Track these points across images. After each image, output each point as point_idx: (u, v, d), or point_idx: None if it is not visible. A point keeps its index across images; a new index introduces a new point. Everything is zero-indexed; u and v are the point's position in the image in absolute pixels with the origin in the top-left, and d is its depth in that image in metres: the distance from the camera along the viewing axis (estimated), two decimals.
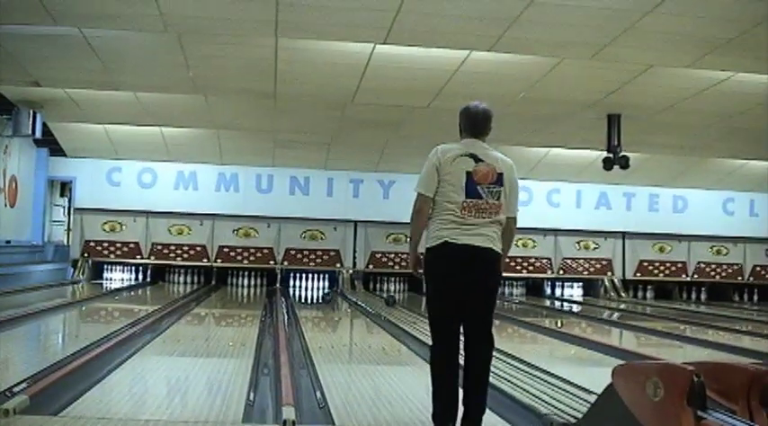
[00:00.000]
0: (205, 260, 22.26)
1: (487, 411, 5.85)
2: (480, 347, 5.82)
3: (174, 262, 22.32)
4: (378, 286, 22.87)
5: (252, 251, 22.37)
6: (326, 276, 22.94)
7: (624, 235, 23.93)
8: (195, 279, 22.45)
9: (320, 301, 20.14)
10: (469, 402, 5.72)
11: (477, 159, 5.80)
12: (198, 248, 22.19)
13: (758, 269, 24.69)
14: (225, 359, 9.44)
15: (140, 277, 22.35)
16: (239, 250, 22.34)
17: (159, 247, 22.11)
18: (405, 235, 22.66)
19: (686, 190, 23.76)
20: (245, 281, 22.53)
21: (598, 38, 11.60)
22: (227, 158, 21.58)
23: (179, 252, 22.18)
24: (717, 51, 12.10)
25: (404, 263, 22.68)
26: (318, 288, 22.55)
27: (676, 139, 18.33)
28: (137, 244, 22.05)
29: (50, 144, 20.53)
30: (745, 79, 13.71)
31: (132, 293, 19.93)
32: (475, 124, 6.04)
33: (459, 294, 5.72)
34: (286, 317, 14.09)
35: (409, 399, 6.90)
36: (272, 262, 22.48)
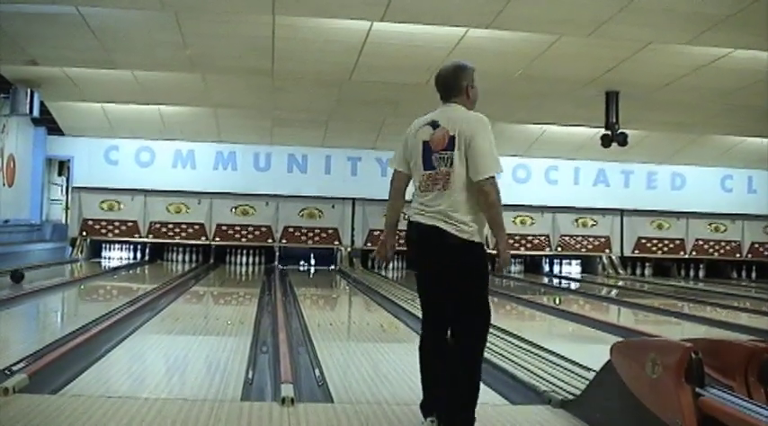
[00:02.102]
0: (203, 238, 22.26)
1: (487, 388, 5.86)
2: (462, 321, 5.11)
3: (172, 241, 22.32)
4: (376, 264, 22.85)
5: (250, 229, 22.38)
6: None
7: (622, 213, 23.93)
8: (193, 257, 22.46)
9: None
10: (452, 390, 5.05)
11: (435, 125, 5.18)
12: (196, 226, 22.19)
13: (756, 246, 24.71)
14: (223, 337, 9.45)
15: (139, 255, 22.36)
16: (237, 228, 22.35)
17: (157, 226, 22.11)
18: (403, 213, 22.58)
19: (684, 168, 23.75)
20: (244, 259, 22.53)
21: (596, 15, 11.57)
22: (225, 136, 21.55)
23: (177, 230, 22.18)
24: (715, 28, 12.07)
25: (402, 241, 22.61)
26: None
27: (674, 116, 18.31)
28: (135, 222, 22.04)
29: (48, 123, 20.51)
30: (744, 56, 13.68)
31: (131, 272, 19.94)
32: (438, 88, 5.32)
33: (428, 278, 5.37)
34: (285, 295, 14.11)
35: (408, 376, 6.91)
36: (270, 240, 22.49)
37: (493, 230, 5.09)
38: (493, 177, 4.96)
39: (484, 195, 4.97)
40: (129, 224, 22.03)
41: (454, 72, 5.28)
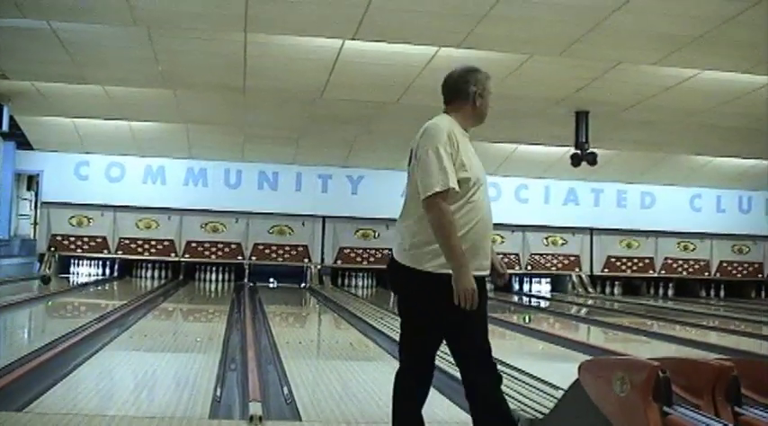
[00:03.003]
0: (173, 254, 22.18)
1: (455, 406, 5.86)
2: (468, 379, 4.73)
3: (141, 257, 22.21)
4: (346, 281, 22.87)
5: (220, 245, 22.31)
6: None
7: (592, 231, 24.04)
8: (163, 273, 22.35)
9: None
10: None
11: None
12: (166, 243, 22.10)
13: (725, 264, 24.87)
14: (192, 354, 9.42)
15: (107, 271, 22.23)
16: (207, 245, 22.28)
17: (127, 242, 22.00)
18: (373, 231, 22.69)
19: (654, 187, 23.89)
20: (213, 276, 22.45)
21: (567, 35, 11.64)
22: (196, 153, 21.51)
23: (146, 246, 22.09)
24: (683, 49, 12.17)
25: (372, 259, 22.70)
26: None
27: (644, 136, 18.42)
28: (104, 238, 21.93)
29: (17, 137, 20.39)
30: (711, 77, 13.80)
31: (99, 288, 19.84)
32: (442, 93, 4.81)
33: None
34: (253, 313, 14.07)
35: (377, 395, 6.91)
36: (240, 257, 22.43)
37: (441, 246, 4.37)
38: (435, 195, 4.34)
39: (427, 217, 4.40)
40: (99, 239, 21.91)
41: (455, 75, 4.76)
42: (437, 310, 4.53)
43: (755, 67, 13.10)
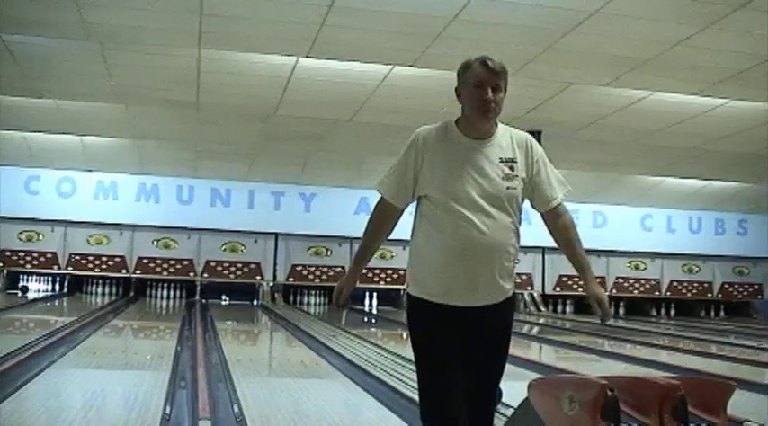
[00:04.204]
0: (124, 271, 22.01)
1: (404, 424, 5.85)
2: None
3: (92, 273, 21.99)
4: (298, 299, 22.80)
5: (171, 262, 22.16)
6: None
7: (544, 250, 24.11)
8: (113, 290, 22.12)
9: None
10: None
11: None
12: (117, 259, 21.92)
13: (675, 284, 25.08)
14: (142, 371, 9.35)
15: (57, 287, 22.00)
16: (159, 261, 22.12)
17: (77, 257, 21.81)
18: (326, 249, 22.65)
19: (606, 206, 24.05)
20: (165, 293, 22.28)
21: (520, 55, 11.71)
22: (148, 168, 21.39)
23: (97, 262, 21.89)
24: (635, 71, 12.31)
25: (324, 277, 22.66)
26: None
27: (596, 156, 18.56)
28: (54, 254, 21.72)
29: None
30: (663, 98, 13.95)
31: (49, 304, 19.67)
32: None
33: None
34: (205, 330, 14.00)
35: (328, 414, 6.89)
36: (191, 274, 22.31)
37: None
38: (380, 198, 4.31)
39: None
40: (49, 255, 21.70)
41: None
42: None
43: (705, 90, 13.27)
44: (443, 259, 4.04)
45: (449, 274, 4.05)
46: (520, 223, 4.21)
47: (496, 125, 4.16)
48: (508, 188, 4.07)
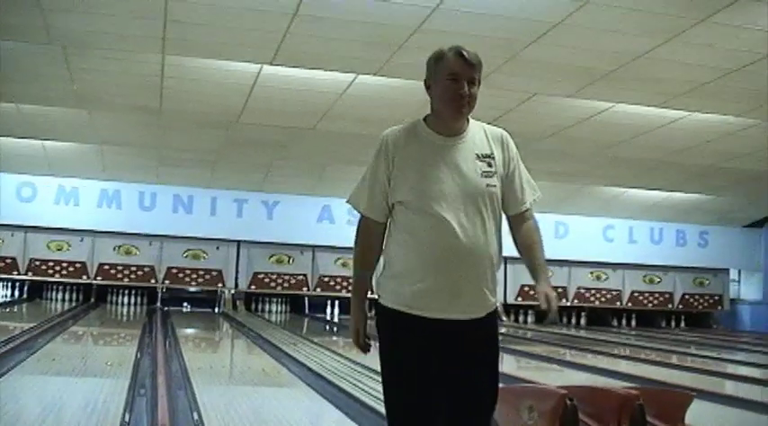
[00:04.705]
0: (84, 277, 21.83)
1: None
2: None
3: (52, 279, 21.80)
4: (260, 306, 22.72)
5: (133, 269, 22.01)
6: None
7: (506, 260, 24.06)
8: (74, 296, 21.95)
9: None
10: None
11: None
12: (77, 265, 21.74)
13: (636, 294, 25.19)
14: (101, 378, 9.29)
15: (17, 293, 21.80)
16: (120, 267, 21.97)
17: (37, 263, 21.59)
18: (287, 256, 22.58)
19: (568, 217, 24.10)
20: (125, 300, 22.14)
21: (483, 65, 11.73)
22: (110, 174, 21.23)
23: (58, 268, 21.70)
24: (598, 82, 12.39)
25: (286, 285, 22.60)
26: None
27: (559, 166, 18.63)
28: (14, 259, 21.49)
29: None
30: (626, 110, 14.04)
31: (8, 310, 19.49)
32: None
33: None
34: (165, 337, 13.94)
35: (288, 422, 6.87)
36: (153, 281, 22.18)
37: None
38: (360, 217, 3.91)
39: None
40: (8, 260, 21.45)
41: None
42: None
43: (668, 102, 13.37)
44: (422, 266, 3.67)
45: (428, 281, 3.66)
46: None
47: (468, 121, 3.89)
48: (488, 185, 3.75)
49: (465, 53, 3.84)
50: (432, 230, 3.65)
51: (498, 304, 3.86)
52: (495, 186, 3.77)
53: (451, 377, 3.70)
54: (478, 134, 3.89)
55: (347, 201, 3.90)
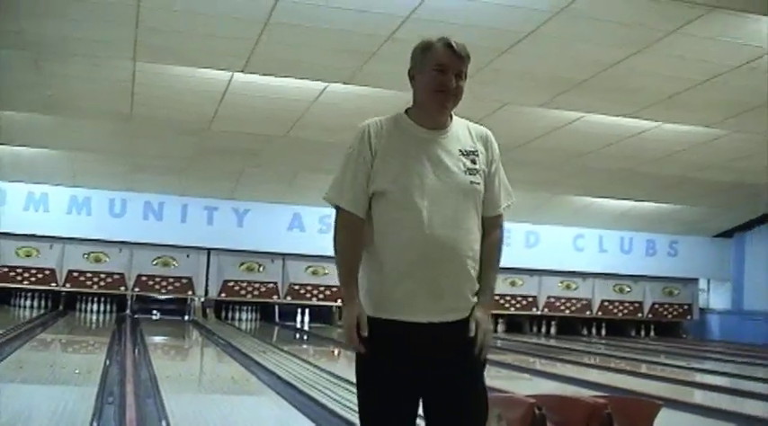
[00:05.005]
0: (53, 284, 21.69)
1: None
2: None
3: (20, 286, 21.62)
4: (230, 314, 22.65)
5: (102, 276, 21.88)
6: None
7: None
8: (42, 303, 21.78)
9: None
10: None
11: None
12: (46, 272, 21.59)
13: (606, 303, 25.27)
14: (69, 386, 9.24)
15: None
16: (89, 274, 21.84)
17: (5, 270, 21.42)
18: (258, 264, 22.53)
19: (538, 226, 24.15)
20: (95, 307, 22.00)
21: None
22: (81, 180, 21.13)
23: (26, 275, 21.55)
24: (568, 92, 12.43)
25: (256, 293, 22.53)
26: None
27: (530, 176, 18.67)
28: None
29: None
30: (596, 120, 14.10)
31: None
32: None
33: None
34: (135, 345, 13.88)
35: None
36: (122, 288, 22.05)
37: None
38: (335, 207, 3.64)
39: None
40: None
41: None
42: None
43: (638, 112, 13.44)
44: (400, 264, 3.49)
45: (407, 282, 3.48)
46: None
47: (451, 117, 3.77)
48: (472, 183, 3.59)
49: (454, 44, 3.68)
50: (412, 226, 3.48)
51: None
52: (479, 184, 3.62)
53: (435, 394, 3.53)
54: (462, 130, 3.77)
55: (324, 197, 3.63)
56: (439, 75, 3.61)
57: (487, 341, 3.59)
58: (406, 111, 3.73)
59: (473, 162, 3.65)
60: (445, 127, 3.70)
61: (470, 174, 3.61)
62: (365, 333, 3.46)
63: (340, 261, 3.62)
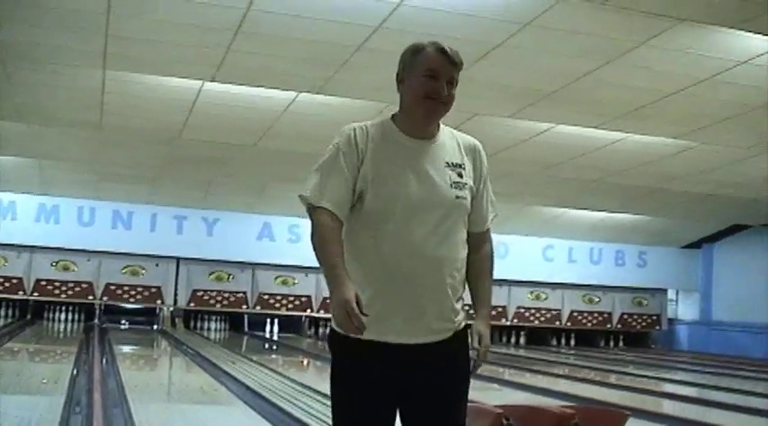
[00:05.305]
0: (21, 293, 21.55)
1: None
2: None
3: None
4: (199, 324, 22.58)
5: (70, 285, 21.75)
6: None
7: None
8: (10, 312, 21.64)
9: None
10: None
11: None
12: (14, 280, 21.43)
13: (575, 314, 25.35)
14: (37, 396, 9.20)
15: None
16: (57, 283, 21.70)
17: None
18: (227, 274, 22.47)
19: (508, 237, 24.18)
20: (63, 316, 21.87)
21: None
22: (49, 189, 21.02)
23: None
24: (538, 103, 12.47)
25: (225, 302, 22.47)
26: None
27: (499, 187, 18.35)
28: None
29: None
30: (566, 131, 14.15)
31: None
32: None
33: None
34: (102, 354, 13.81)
35: None
36: (90, 297, 21.93)
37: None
38: (309, 206, 3.39)
39: None
40: None
41: None
42: None
43: (607, 123, 13.50)
44: (378, 279, 3.30)
45: (387, 299, 3.29)
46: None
47: (439, 126, 3.57)
48: (457, 197, 3.43)
49: (447, 49, 3.47)
50: (392, 239, 3.30)
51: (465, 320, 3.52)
52: (465, 199, 3.47)
53: (413, 412, 3.37)
54: (450, 141, 3.58)
55: (302, 195, 3.37)
56: (429, 80, 3.43)
57: (485, 357, 3.50)
58: (392, 118, 3.55)
59: (459, 175, 3.47)
60: (432, 136, 3.52)
61: (456, 188, 3.44)
62: (364, 312, 3.06)
63: (324, 254, 3.26)
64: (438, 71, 3.43)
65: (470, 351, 3.47)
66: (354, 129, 3.46)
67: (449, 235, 3.39)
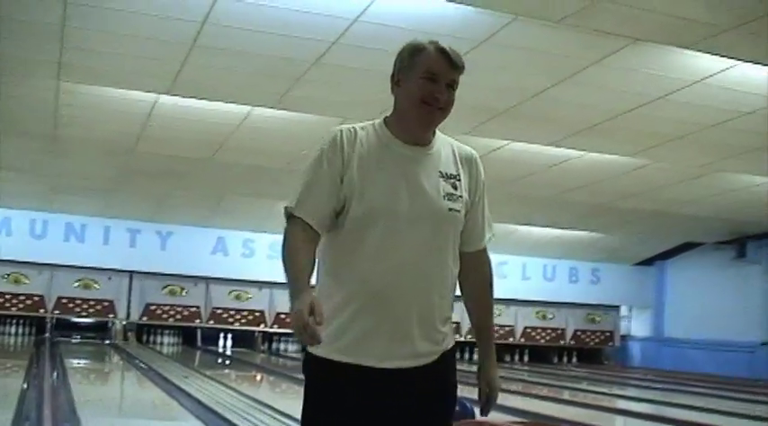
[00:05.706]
0: None
1: None
2: None
3: None
4: (151, 338, 22.43)
5: (21, 298, 21.52)
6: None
7: None
8: None
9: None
10: None
11: None
12: None
13: (528, 330, 25.44)
14: None
15: None
16: (8, 296, 21.45)
17: None
18: (181, 288, 22.34)
19: None
20: (13, 329, 21.63)
21: (379, 100, 11.67)
22: (1, 200, 20.78)
23: None
24: (493, 120, 12.52)
25: (179, 316, 22.34)
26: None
27: None
28: None
29: None
30: (522, 148, 14.22)
31: None
32: None
33: None
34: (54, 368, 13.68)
35: None
36: (42, 311, 21.72)
37: None
38: (288, 214, 3.11)
39: None
40: None
41: None
42: None
43: (561, 141, 13.58)
44: (361, 295, 3.04)
45: (367, 318, 3.04)
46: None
47: (435, 133, 3.35)
48: (450, 209, 3.20)
49: (449, 51, 3.27)
50: (377, 253, 3.04)
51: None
52: (459, 212, 3.24)
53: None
54: (445, 149, 3.35)
55: (286, 207, 3.09)
56: (428, 83, 3.22)
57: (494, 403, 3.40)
58: (385, 121, 3.33)
59: (454, 186, 3.24)
60: (427, 143, 3.29)
61: (449, 200, 3.20)
62: (320, 322, 2.69)
63: (288, 265, 2.96)
64: (438, 73, 3.24)
65: (480, 400, 3.39)
66: (341, 131, 3.21)
67: (440, 249, 3.18)
